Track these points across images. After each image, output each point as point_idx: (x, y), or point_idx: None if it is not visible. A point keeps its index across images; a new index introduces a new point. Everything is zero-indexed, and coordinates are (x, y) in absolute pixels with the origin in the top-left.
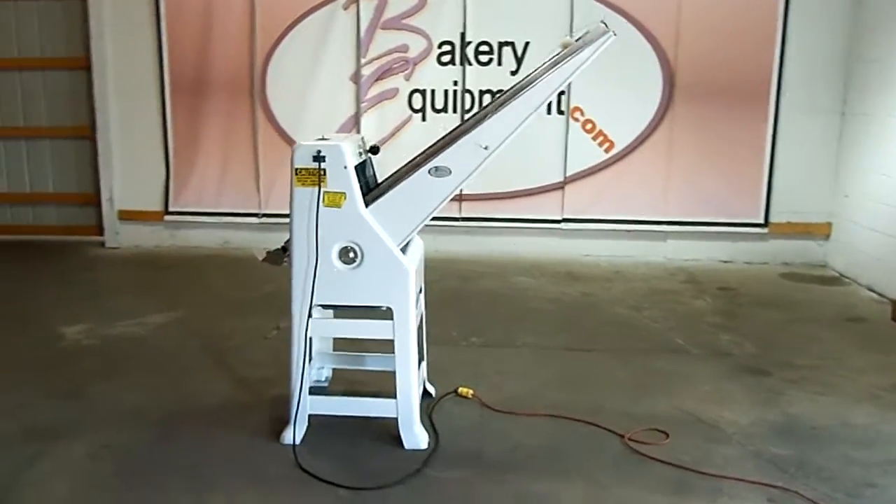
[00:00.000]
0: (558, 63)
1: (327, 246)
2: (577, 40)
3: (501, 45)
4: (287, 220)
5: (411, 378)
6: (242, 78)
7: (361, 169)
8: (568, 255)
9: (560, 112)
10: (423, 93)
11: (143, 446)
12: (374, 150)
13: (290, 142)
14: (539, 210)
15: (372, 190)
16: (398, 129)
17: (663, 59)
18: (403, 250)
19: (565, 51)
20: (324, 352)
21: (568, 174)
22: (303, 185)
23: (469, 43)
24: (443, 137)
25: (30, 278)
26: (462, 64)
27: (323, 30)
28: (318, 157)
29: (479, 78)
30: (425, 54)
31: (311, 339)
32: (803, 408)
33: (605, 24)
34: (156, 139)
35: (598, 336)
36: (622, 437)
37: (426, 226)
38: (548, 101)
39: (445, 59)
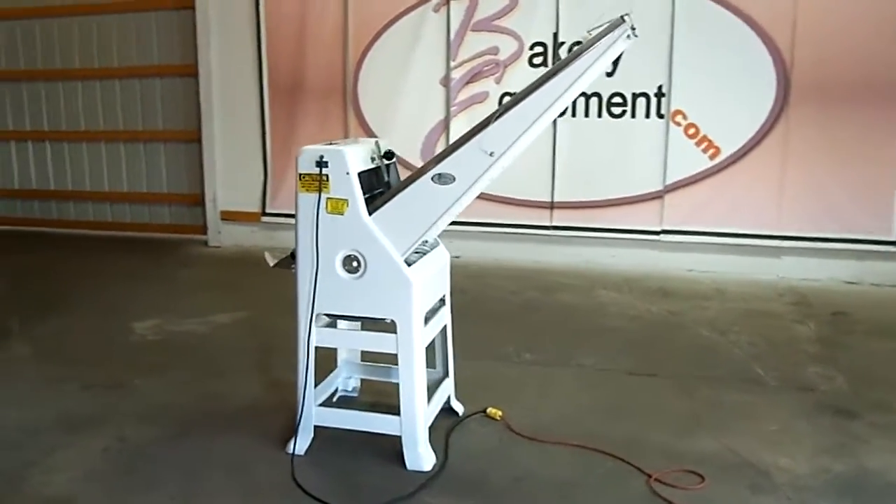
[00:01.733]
0: (568, 63)
1: (331, 254)
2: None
3: None
4: None
5: (415, 395)
6: (335, 82)
7: (375, 175)
8: (667, 270)
9: (660, 116)
10: (513, 96)
11: (155, 443)
12: (389, 155)
13: None
14: (635, 220)
15: None
16: None
17: (777, 55)
18: (414, 260)
19: (575, 49)
20: (352, 361)
21: (667, 182)
22: (307, 190)
23: (562, 44)
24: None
25: (129, 273)
26: None
27: (413, 33)
28: (321, 163)
29: None
30: (516, 56)
31: (330, 349)
32: (884, 461)
33: (624, 18)
34: (255, 142)
35: (668, 360)
36: (649, 476)
37: (519, 234)
38: (558, 105)
39: (537, 60)
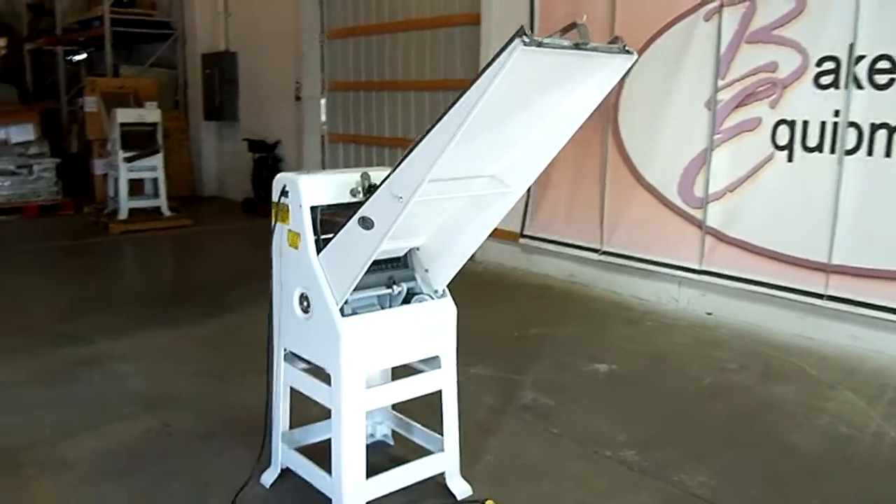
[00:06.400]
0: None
1: (291, 289)
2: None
3: None
4: (628, 261)
5: (342, 458)
6: None
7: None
8: None
9: None
10: (791, 125)
11: (179, 436)
12: (374, 189)
13: (636, 175)
14: None
15: None
16: (756, 169)
17: None
18: (378, 306)
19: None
20: (384, 407)
21: None
22: (276, 219)
23: (861, 58)
24: None
25: None
26: (848, 87)
27: (681, 46)
28: (283, 192)
29: (873, 106)
30: (798, 74)
31: None
32: None
33: (579, 24)
34: None
35: (806, 498)
36: None
37: (782, 298)
38: (459, 143)
39: (825, 80)
